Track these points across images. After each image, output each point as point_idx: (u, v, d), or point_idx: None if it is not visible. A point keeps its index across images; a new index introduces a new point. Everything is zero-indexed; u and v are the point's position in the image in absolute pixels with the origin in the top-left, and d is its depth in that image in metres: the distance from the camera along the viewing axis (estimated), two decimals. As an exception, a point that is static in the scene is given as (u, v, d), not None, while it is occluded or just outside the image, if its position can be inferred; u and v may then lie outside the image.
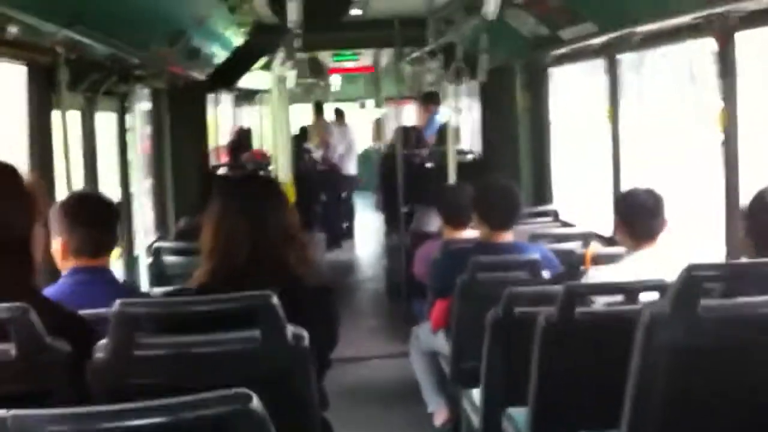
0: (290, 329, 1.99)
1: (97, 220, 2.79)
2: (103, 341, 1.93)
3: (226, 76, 6.93)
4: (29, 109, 3.53)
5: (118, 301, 1.92)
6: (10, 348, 1.83)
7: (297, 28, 3.97)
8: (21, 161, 3.45)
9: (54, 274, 2.79)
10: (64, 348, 1.87)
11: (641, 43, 4.37)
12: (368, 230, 11.35)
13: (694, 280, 2.05)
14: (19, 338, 1.82)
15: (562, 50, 5.20)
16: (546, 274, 3.61)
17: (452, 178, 5.78)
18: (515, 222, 3.96)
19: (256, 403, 1.29)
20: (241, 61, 6.79)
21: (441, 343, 4.07)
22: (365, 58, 11.46)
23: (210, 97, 8.02)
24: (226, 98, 9.74)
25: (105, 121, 4.67)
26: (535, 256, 3.65)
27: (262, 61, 7.68)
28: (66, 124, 3.57)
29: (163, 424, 1.25)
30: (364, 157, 14.17)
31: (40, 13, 2.91)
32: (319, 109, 11.65)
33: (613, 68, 4.89)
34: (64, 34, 3.20)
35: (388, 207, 8.03)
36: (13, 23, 2.85)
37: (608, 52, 4.81)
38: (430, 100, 9.10)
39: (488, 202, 3.90)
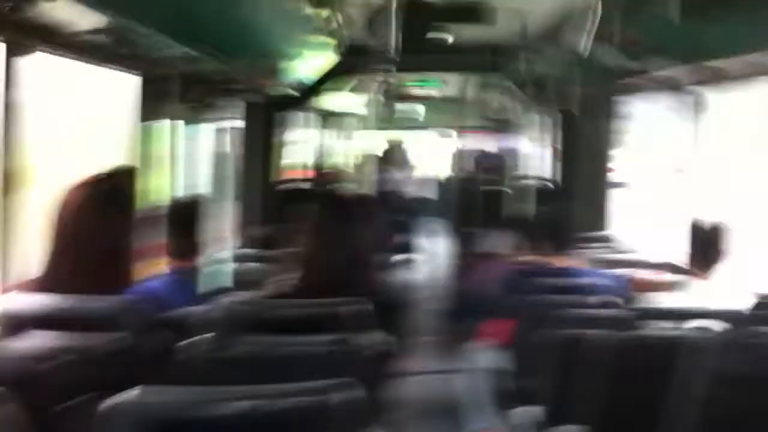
0: (376, 335, 2.13)
1: (184, 226, 2.94)
2: (202, 336, 2.10)
3: (318, 94, 7.14)
4: (143, 119, 3.76)
5: (225, 299, 2.09)
6: (120, 337, 2.01)
7: (393, 53, 4.13)
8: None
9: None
10: (169, 339, 2.04)
11: (726, 79, 4.42)
12: (438, 253, 11.46)
13: (761, 307, 2.13)
14: (130, 328, 2.00)
15: (647, 83, 5.27)
16: (608, 299, 3.67)
17: (531, 204, 5.87)
18: (573, 247, 4.03)
19: (337, 397, 1.42)
20: (329, 80, 6.99)
21: (496, 360, 4.15)
22: (451, 87, 11.55)
23: (298, 118, 8.23)
24: (312, 118, 9.97)
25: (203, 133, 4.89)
26: (598, 280, 3.72)
27: (351, 84, 7.88)
28: (176, 134, 3.79)
29: (281, 407, 1.38)
30: (443, 184, 14.27)
31: (161, 29, 3.12)
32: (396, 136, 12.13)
33: (697, 103, 4.95)
34: (181, 49, 3.42)
35: (457, 228, 8.13)
36: (138, 37, 3.07)
37: (694, 87, 4.86)
38: (509, 129, 9.22)
39: (545, 230, 4.02)
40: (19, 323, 2.09)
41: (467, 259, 7.00)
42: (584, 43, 3.95)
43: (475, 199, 7.06)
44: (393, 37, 3.91)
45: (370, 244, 2.53)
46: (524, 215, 5.19)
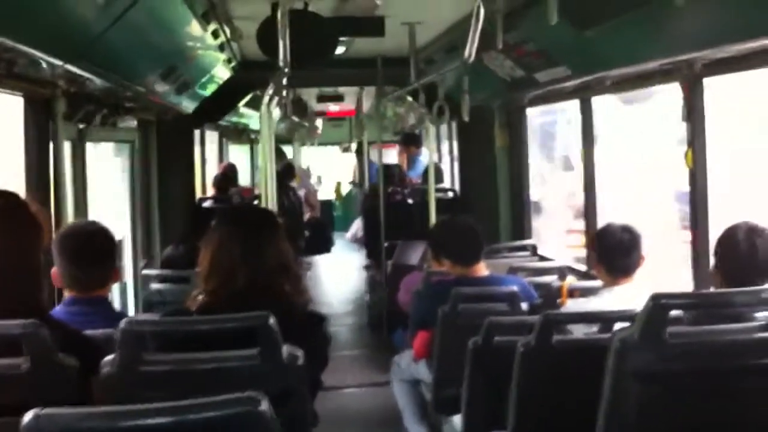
0: (286, 349, 2.11)
1: (86, 258, 2.75)
2: (111, 356, 2.04)
3: (213, 110, 7.07)
4: (26, 139, 3.63)
5: (125, 319, 2.04)
6: (23, 362, 1.94)
7: (285, 66, 4.11)
8: (18, 189, 3.55)
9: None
10: (72, 363, 1.98)
11: (613, 87, 4.58)
12: (350, 267, 11.52)
13: (659, 307, 2.20)
14: (31, 352, 1.93)
15: (538, 92, 5.41)
16: (524, 305, 3.75)
17: (433, 214, 5.92)
18: (482, 254, 4.11)
19: (265, 406, 1.40)
20: (227, 96, 6.94)
21: (422, 371, 4.18)
22: (348, 101, 11.63)
23: (197, 135, 8.16)
24: (212, 136, 9.89)
25: (95, 152, 4.78)
26: (514, 288, 3.79)
27: (248, 98, 7.84)
28: (62, 154, 3.68)
29: (180, 422, 1.36)
30: (348, 198, 14.38)
31: (43, 47, 3.03)
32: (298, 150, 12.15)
33: (586, 110, 5.10)
34: (65, 68, 3.32)
35: (370, 242, 8.18)
36: (17, 56, 2.97)
37: (582, 95, 5.01)
38: (411, 142, 9.29)
39: (454, 242, 4.07)
40: None
41: (382, 272, 7.03)
42: (472, 53, 3.98)
43: (382, 211, 7.11)
44: (284, 50, 3.88)
45: (276, 257, 2.49)
46: (433, 226, 5.23)
